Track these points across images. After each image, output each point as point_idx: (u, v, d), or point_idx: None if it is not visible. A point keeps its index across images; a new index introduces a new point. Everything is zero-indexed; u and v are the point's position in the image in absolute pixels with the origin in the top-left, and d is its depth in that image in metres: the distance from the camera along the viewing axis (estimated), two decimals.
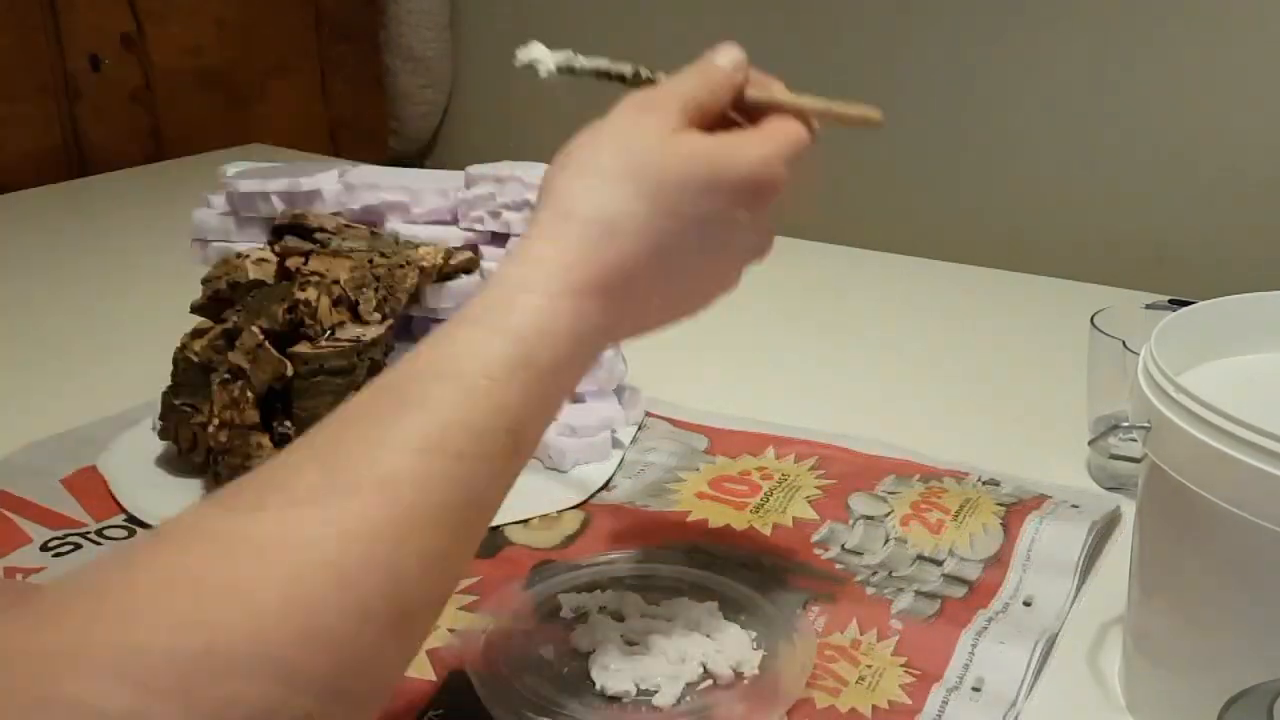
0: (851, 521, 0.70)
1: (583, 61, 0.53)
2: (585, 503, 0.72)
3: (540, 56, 0.53)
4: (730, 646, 0.56)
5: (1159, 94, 1.42)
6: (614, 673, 0.54)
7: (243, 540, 0.36)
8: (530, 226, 0.47)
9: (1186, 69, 1.40)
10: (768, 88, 0.53)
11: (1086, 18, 1.45)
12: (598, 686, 0.54)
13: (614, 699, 0.54)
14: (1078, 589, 0.63)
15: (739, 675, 0.55)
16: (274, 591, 0.35)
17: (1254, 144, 1.37)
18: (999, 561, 0.65)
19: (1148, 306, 0.75)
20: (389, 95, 2.05)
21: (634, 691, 0.54)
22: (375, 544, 0.37)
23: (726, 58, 0.52)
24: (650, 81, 0.52)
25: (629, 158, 0.47)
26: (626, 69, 0.53)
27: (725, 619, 0.58)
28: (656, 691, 0.54)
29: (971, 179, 1.59)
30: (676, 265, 0.49)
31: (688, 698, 0.54)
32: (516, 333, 0.43)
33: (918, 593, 0.62)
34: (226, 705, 0.33)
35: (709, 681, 0.55)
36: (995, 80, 1.54)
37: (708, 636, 0.57)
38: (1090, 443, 0.73)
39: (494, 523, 0.69)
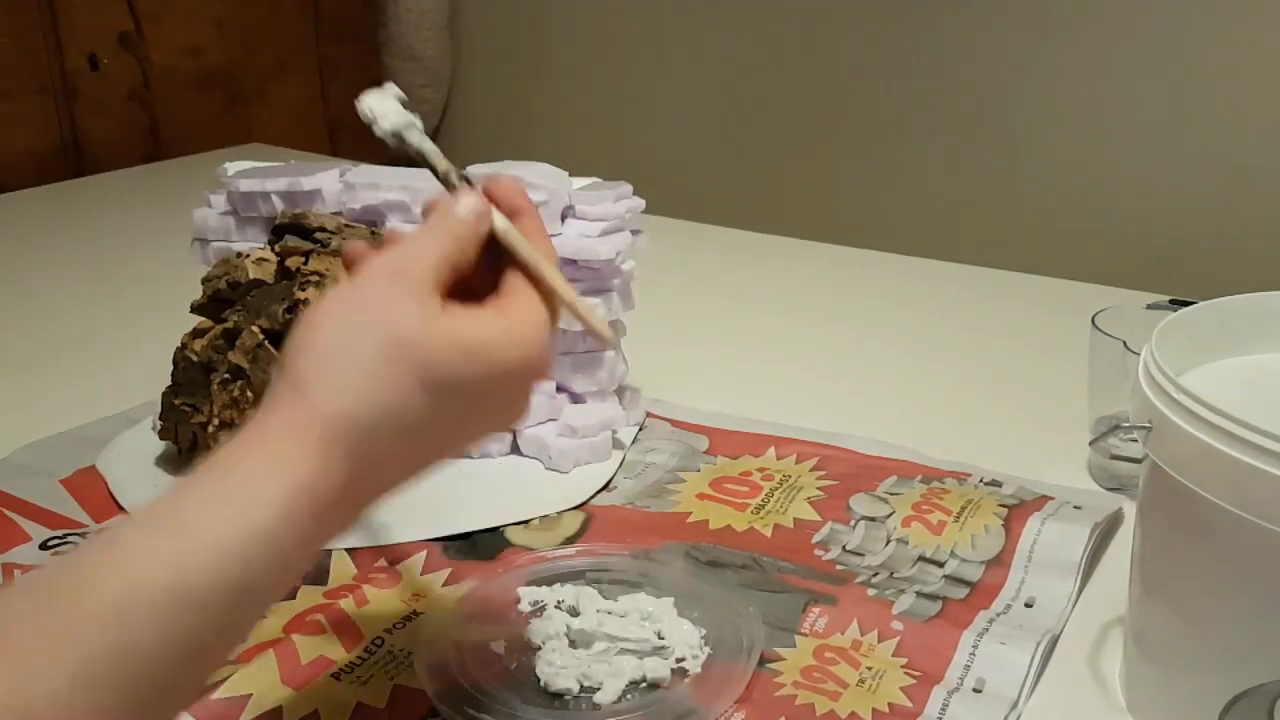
0: (852, 522, 0.69)
1: (415, 139, 0.49)
2: (585, 503, 0.72)
3: (382, 114, 0.50)
4: (678, 644, 0.57)
5: (1159, 95, 1.42)
6: (559, 669, 0.55)
7: None
8: (269, 410, 0.42)
9: (1187, 70, 1.40)
10: (521, 224, 0.49)
11: (1088, 20, 1.45)
12: (542, 683, 0.55)
13: (556, 695, 0.54)
14: (1079, 590, 0.63)
15: (683, 673, 0.55)
16: None
17: (1254, 144, 1.37)
18: (1000, 562, 0.65)
19: (1148, 306, 0.75)
20: None
21: (576, 689, 0.54)
22: None
23: (467, 209, 0.48)
24: (454, 186, 0.49)
25: (387, 344, 0.42)
26: (440, 165, 0.49)
27: (678, 616, 0.59)
28: (599, 689, 0.54)
29: (972, 180, 1.59)
30: (431, 444, 0.46)
31: (629, 695, 0.54)
32: (227, 553, 0.38)
33: (919, 594, 0.62)
34: None
35: (653, 678, 0.55)
36: (995, 82, 1.54)
37: (658, 634, 0.57)
38: (1091, 443, 0.73)
39: (495, 523, 0.69)
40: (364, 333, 0.43)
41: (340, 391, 0.42)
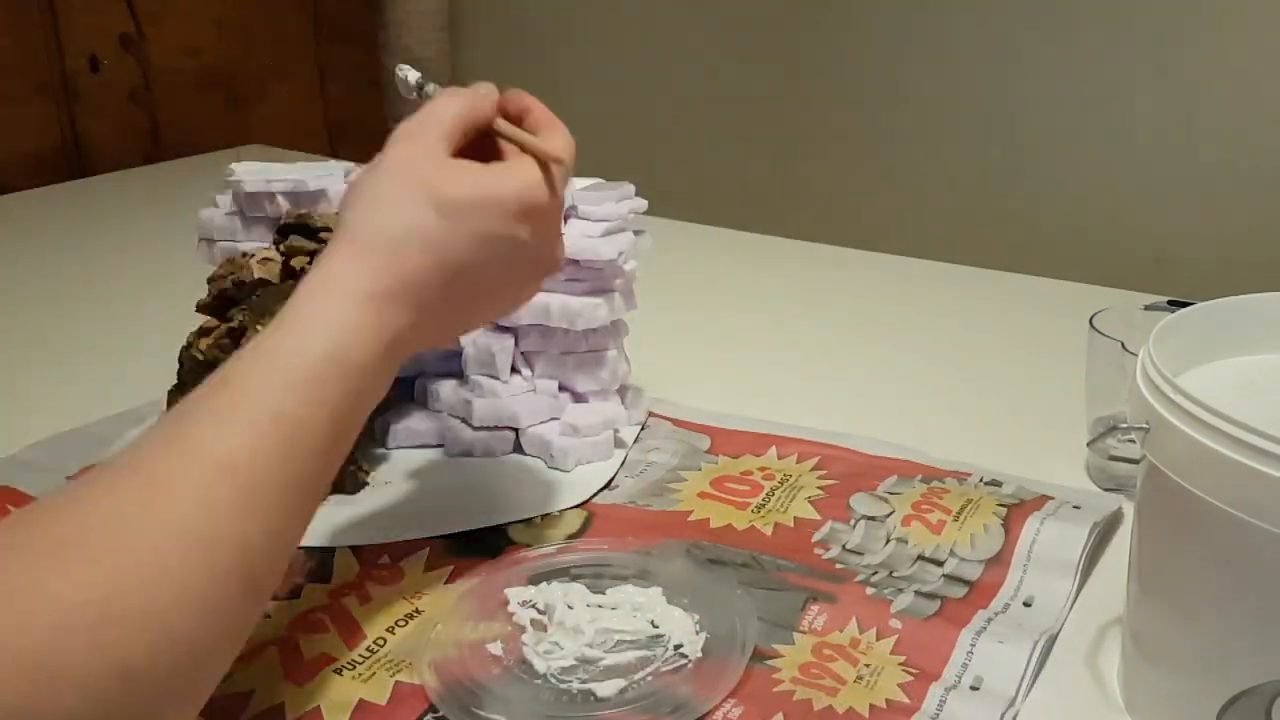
0: (853, 521, 0.70)
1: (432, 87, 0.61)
2: (587, 502, 0.73)
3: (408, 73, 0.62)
4: (674, 632, 0.57)
5: (1159, 95, 1.43)
6: (558, 665, 0.55)
7: (106, 516, 0.43)
8: (324, 253, 0.53)
9: (1186, 70, 1.40)
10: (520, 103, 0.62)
11: (1087, 20, 1.45)
12: (542, 680, 0.55)
13: (559, 692, 0.54)
14: (1078, 589, 0.64)
15: (682, 661, 0.56)
16: (137, 559, 0.42)
17: (1253, 145, 1.37)
18: (1000, 561, 0.66)
19: (1146, 307, 0.76)
20: (388, 96, 2.05)
21: (576, 684, 0.55)
22: (222, 518, 0.44)
23: (484, 87, 0.59)
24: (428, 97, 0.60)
25: (404, 182, 0.54)
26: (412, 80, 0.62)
27: (669, 604, 0.59)
28: (600, 683, 0.54)
29: (971, 181, 1.60)
30: (466, 275, 0.55)
31: (629, 690, 0.55)
32: (327, 334, 0.50)
33: (918, 592, 0.62)
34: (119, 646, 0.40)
35: (652, 668, 0.56)
36: (995, 83, 1.54)
37: (652, 623, 0.58)
38: (1089, 444, 0.73)
39: (496, 521, 0.70)
40: (383, 178, 0.54)
41: (368, 221, 0.53)
